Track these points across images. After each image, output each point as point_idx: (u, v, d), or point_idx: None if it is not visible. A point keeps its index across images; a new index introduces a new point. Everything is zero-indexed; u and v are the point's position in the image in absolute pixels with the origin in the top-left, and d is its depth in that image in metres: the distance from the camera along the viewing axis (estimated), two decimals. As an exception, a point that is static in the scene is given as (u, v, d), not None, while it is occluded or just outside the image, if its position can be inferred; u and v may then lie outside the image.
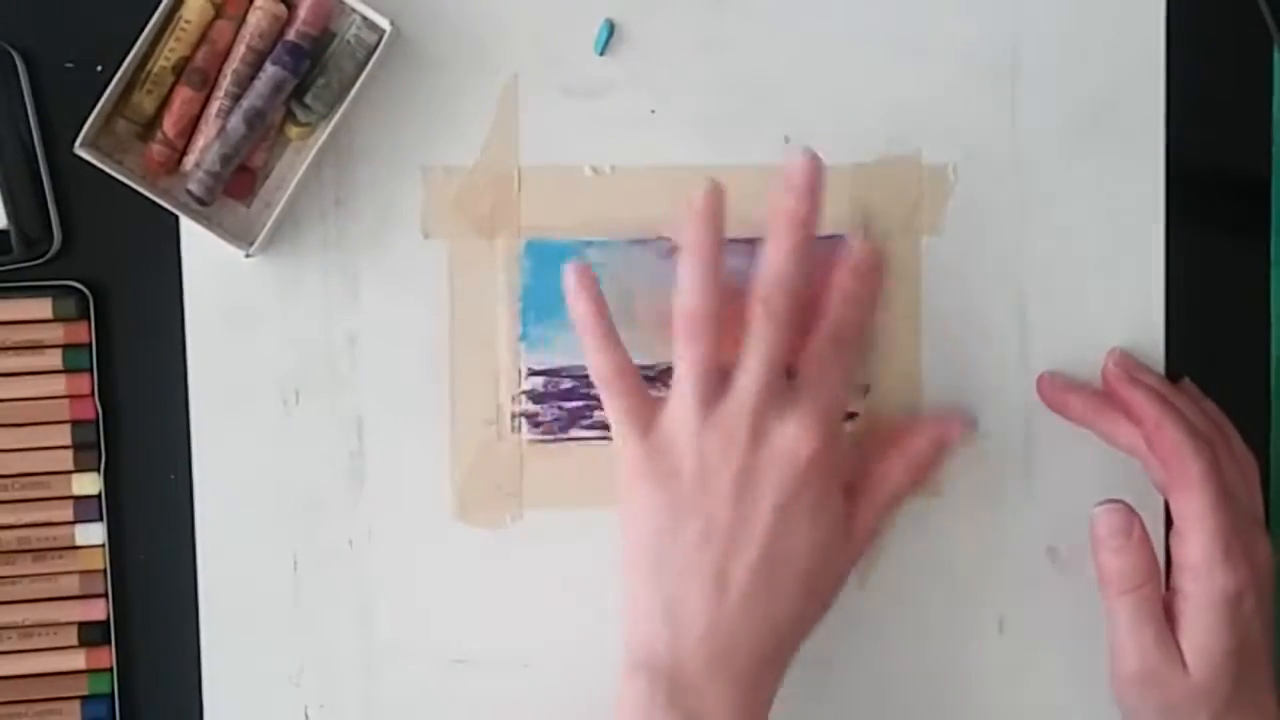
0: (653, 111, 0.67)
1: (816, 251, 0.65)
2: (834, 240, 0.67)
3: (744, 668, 0.61)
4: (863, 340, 0.65)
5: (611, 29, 0.66)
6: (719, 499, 0.61)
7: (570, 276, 0.63)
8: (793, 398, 0.62)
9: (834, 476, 0.62)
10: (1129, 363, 0.67)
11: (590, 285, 0.63)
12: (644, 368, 0.64)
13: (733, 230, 0.66)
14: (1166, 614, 0.63)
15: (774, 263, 0.62)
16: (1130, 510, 0.63)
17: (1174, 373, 0.68)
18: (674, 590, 0.61)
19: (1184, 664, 0.62)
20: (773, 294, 0.62)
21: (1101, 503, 0.63)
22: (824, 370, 0.63)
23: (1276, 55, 0.68)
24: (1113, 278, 0.67)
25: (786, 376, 0.63)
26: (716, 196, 0.63)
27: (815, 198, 0.62)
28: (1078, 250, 0.67)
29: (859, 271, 0.64)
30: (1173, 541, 0.63)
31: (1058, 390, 0.67)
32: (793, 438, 0.61)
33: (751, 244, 0.66)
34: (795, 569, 0.61)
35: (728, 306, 0.63)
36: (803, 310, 0.63)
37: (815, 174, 0.62)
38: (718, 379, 0.62)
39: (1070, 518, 0.67)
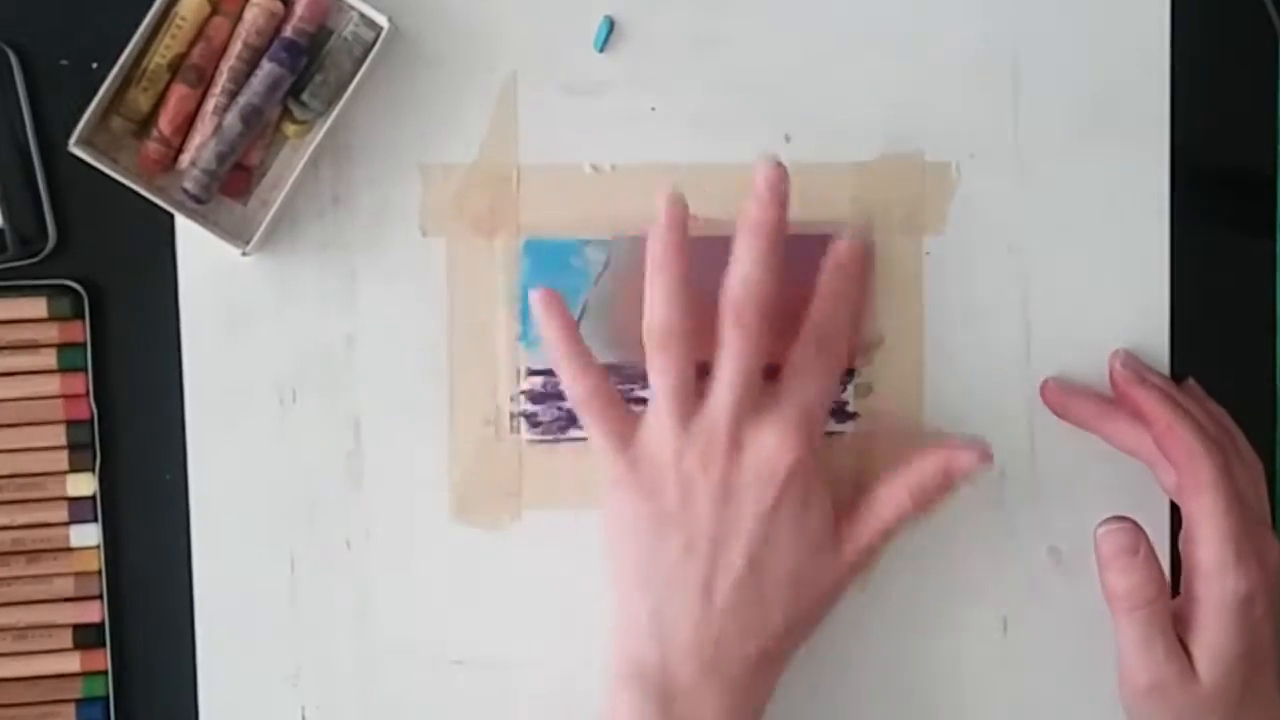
0: (653, 109, 0.66)
1: (808, 250, 0.64)
2: (826, 238, 0.66)
3: (735, 675, 0.61)
4: (845, 340, 0.64)
5: (611, 26, 0.66)
6: (700, 511, 0.61)
7: (537, 304, 0.63)
8: (771, 406, 0.62)
9: (816, 483, 0.62)
10: (1136, 363, 0.66)
11: (559, 310, 0.63)
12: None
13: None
14: (1176, 619, 0.62)
15: (741, 270, 0.61)
16: (1136, 528, 0.62)
17: (1178, 374, 0.67)
18: (661, 602, 0.61)
19: (1195, 671, 0.62)
20: (741, 302, 0.61)
21: (1105, 521, 0.62)
22: (804, 376, 0.62)
23: (1281, 53, 0.68)
24: (1117, 277, 0.67)
25: (769, 379, 0.62)
26: (679, 206, 0.62)
27: (781, 205, 0.62)
28: (1081, 249, 0.67)
29: (842, 269, 0.64)
30: (1183, 544, 0.63)
31: (1061, 395, 0.67)
32: (771, 447, 0.61)
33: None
34: (780, 578, 0.61)
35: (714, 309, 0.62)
36: (785, 314, 0.62)
37: (780, 182, 0.62)
38: (693, 391, 0.62)
39: (1073, 518, 0.67)
